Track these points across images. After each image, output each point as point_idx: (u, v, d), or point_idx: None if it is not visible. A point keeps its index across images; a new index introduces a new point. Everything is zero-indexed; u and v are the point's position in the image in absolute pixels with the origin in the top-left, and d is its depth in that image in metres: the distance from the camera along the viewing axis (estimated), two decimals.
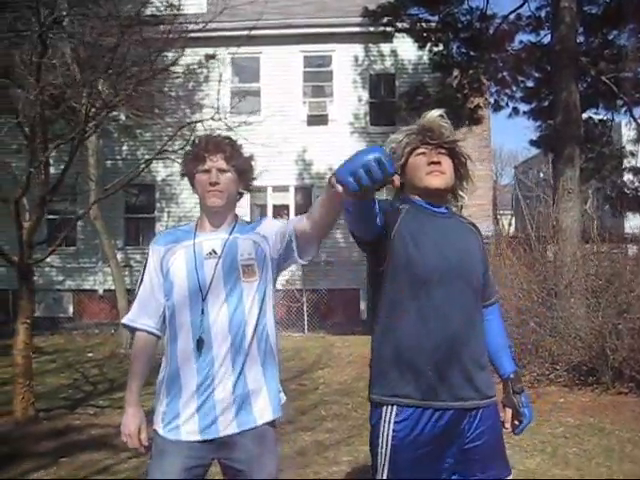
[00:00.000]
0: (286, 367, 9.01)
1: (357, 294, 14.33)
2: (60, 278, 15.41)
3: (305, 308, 13.36)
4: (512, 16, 11.50)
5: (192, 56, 15.33)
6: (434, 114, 2.38)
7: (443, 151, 2.31)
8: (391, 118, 13.83)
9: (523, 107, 12.22)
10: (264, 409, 2.32)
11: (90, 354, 10.51)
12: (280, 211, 15.29)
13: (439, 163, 2.28)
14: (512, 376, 2.36)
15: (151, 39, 12.03)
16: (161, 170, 15.44)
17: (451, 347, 2.16)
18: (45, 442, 5.36)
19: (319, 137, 14.82)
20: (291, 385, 7.68)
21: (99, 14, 11.17)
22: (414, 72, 14.84)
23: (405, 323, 2.18)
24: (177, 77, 15.06)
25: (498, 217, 27.60)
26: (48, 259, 15.08)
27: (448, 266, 2.20)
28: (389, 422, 2.18)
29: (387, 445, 2.16)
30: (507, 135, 36.29)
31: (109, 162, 15.11)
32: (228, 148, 2.36)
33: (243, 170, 2.41)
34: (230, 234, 2.34)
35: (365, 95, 15.15)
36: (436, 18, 11.75)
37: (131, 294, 14.22)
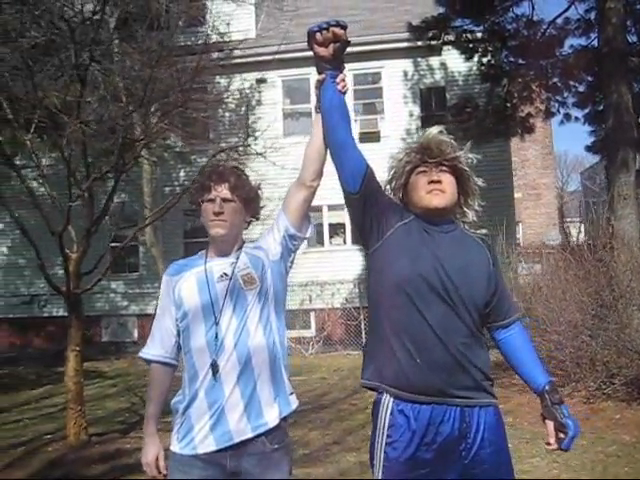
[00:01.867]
0: (340, 386, 9.01)
1: None
2: (125, 303, 15.85)
3: (363, 326, 13.28)
4: (560, 20, 11.26)
5: (243, 81, 15.68)
6: (433, 131, 2.38)
7: (445, 168, 2.30)
8: (455, 132, 13.68)
9: (576, 113, 11.93)
10: (276, 412, 2.35)
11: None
12: (336, 230, 15.34)
13: (439, 182, 2.27)
14: (547, 388, 2.26)
15: (201, 67, 12.38)
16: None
17: (429, 362, 2.15)
18: (95, 466, 5.50)
19: (371, 154, 14.28)
20: (342, 405, 7.66)
21: (150, 48, 11.59)
22: (465, 84, 14.69)
23: (379, 326, 2.26)
24: (228, 102, 15.41)
25: (567, 225, 26.90)
26: (113, 285, 15.85)
27: (427, 279, 2.17)
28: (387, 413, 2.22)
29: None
30: (572, 141, 35.37)
31: (167, 188, 15.48)
32: (232, 178, 2.41)
33: (248, 199, 2.45)
34: (238, 258, 2.39)
35: (416, 110, 15.08)
36: (482, 28, 11.60)
37: None
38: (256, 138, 14.20)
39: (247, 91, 15.78)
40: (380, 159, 11.98)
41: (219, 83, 15.89)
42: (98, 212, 6.04)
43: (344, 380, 9.37)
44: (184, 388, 2.37)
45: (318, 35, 2.25)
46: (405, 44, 14.40)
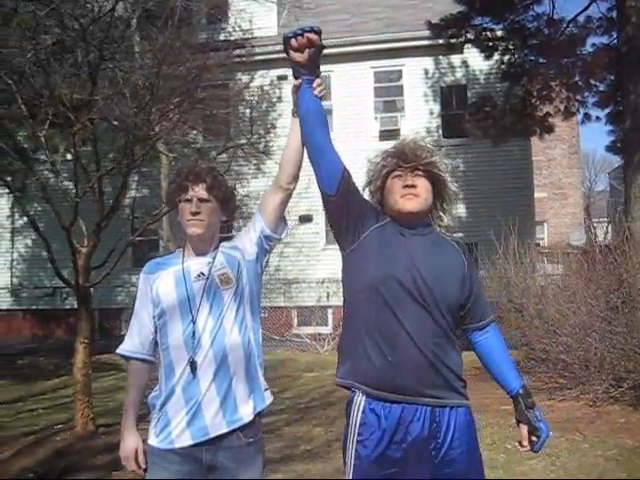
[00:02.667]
0: None
1: None
2: None
3: None
4: (582, 18, 11.14)
5: (264, 77, 15.76)
6: (409, 137, 2.41)
7: (420, 173, 2.32)
8: (464, 130, 13.65)
9: (596, 112, 11.78)
10: (250, 408, 2.40)
11: None
12: None
13: (414, 186, 2.30)
14: (521, 391, 2.30)
15: (210, 65, 12.46)
16: (238, 190, 15.85)
17: (401, 361, 2.19)
18: (101, 456, 5.61)
19: None
20: None
21: (170, 45, 11.71)
22: (486, 82, 14.58)
23: (353, 325, 2.30)
24: (248, 98, 15.49)
25: (593, 226, 26.58)
26: (134, 279, 16.04)
27: (401, 281, 2.21)
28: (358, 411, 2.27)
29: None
30: (600, 140, 34.82)
31: None
32: (209, 178, 2.45)
33: (224, 199, 2.50)
34: (214, 258, 2.44)
35: (436, 108, 15.02)
36: (502, 27, 11.52)
37: None
38: (256, 139, 14.26)
39: (268, 88, 15.86)
40: None
41: (240, 80, 15.99)
42: (109, 207, 6.14)
43: None
44: (160, 384, 2.42)
45: (293, 41, 2.29)
46: (426, 42, 14.34)
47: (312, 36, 2.27)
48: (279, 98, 15.80)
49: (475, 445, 2.33)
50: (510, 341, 7.66)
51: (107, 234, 6.72)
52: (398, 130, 14.94)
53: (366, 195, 2.48)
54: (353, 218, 2.33)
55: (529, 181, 14.66)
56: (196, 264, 2.43)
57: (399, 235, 2.31)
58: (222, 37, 15.98)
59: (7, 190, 13.97)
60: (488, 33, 11.63)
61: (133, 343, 2.48)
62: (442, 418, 2.24)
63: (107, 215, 6.01)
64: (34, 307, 16.27)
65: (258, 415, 2.44)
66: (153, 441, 2.39)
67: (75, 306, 15.62)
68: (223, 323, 2.38)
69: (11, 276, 16.73)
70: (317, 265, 15.01)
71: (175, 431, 2.35)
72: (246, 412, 2.39)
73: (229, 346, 2.36)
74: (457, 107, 14.67)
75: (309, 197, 14.61)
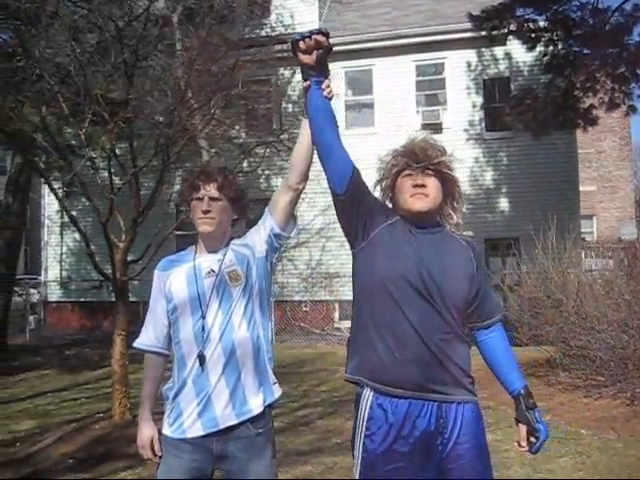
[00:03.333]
0: None
1: None
2: None
3: None
4: (628, 7, 10.83)
5: None
6: (418, 136, 2.43)
7: (430, 172, 2.34)
8: (507, 123, 13.47)
9: None
10: (260, 401, 2.47)
11: None
12: None
13: (423, 186, 2.32)
14: (523, 392, 2.32)
15: (263, 60, 12.58)
16: (275, 186, 15.99)
17: (407, 356, 2.21)
18: (135, 444, 5.76)
19: None
20: None
21: (211, 41, 11.88)
22: (530, 74, 14.35)
23: (362, 322, 2.32)
24: (290, 94, 15.57)
25: None
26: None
27: (408, 278, 2.23)
28: (366, 406, 2.29)
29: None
30: None
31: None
32: (220, 178, 2.52)
33: (235, 198, 2.56)
34: (224, 255, 2.51)
35: (479, 101, 14.84)
36: (544, 17, 11.30)
37: None
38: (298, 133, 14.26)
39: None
40: None
41: (282, 75, 16.08)
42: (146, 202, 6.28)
43: None
44: (173, 376, 2.51)
45: (301, 43, 2.32)
46: (469, 34, 14.16)
47: (320, 38, 2.30)
48: None
49: (483, 441, 2.34)
50: (547, 337, 7.57)
51: (149, 228, 6.91)
52: (440, 124, 14.84)
53: (377, 193, 2.50)
54: (362, 217, 2.36)
55: (574, 174, 14.38)
56: (207, 261, 2.50)
57: (408, 233, 2.33)
58: (264, 33, 16.10)
59: (57, 186, 14.48)
60: (531, 24, 11.40)
61: (148, 337, 2.57)
62: (449, 413, 2.26)
63: (143, 210, 6.15)
64: (82, 299, 16.73)
65: (268, 407, 2.50)
66: (167, 431, 2.48)
67: (130, 300, 16.10)
68: (232, 318, 2.45)
69: (60, 269, 17.23)
70: None
71: (187, 422, 2.43)
72: (255, 404, 2.45)
73: (237, 341, 2.43)
74: (500, 100, 14.46)
75: None
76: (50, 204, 17.06)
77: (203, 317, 2.43)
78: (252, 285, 2.51)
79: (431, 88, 15.26)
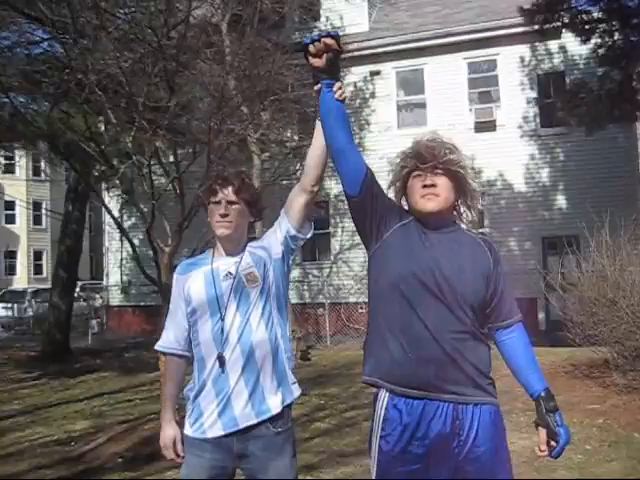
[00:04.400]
0: None
1: (534, 304, 13.70)
2: None
3: None
4: None
5: (357, 74, 15.80)
6: (425, 136, 2.40)
7: (439, 171, 2.31)
8: (563, 119, 13.13)
9: None
10: (278, 400, 2.50)
11: None
12: None
13: (433, 186, 2.29)
14: (543, 394, 2.25)
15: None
16: (334, 187, 16.00)
17: (421, 357, 2.19)
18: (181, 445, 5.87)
19: (487, 144, 14.45)
20: None
21: (260, 47, 12.02)
22: (585, 67, 13.95)
23: (376, 323, 2.32)
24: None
25: None
26: None
27: (421, 278, 2.22)
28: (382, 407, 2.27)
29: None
30: None
31: (285, 182, 15.92)
32: (237, 182, 2.56)
33: (251, 201, 2.60)
34: (241, 257, 2.54)
35: (534, 96, 14.53)
36: (598, 8, 10.97)
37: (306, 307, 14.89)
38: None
39: (361, 84, 15.90)
40: (496, 148, 12.01)
41: None
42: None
43: None
44: (194, 377, 2.56)
45: (311, 47, 2.32)
46: (521, 29, 13.91)
47: (329, 41, 2.29)
48: (372, 94, 15.82)
49: (502, 444, 2.29)
50: (601, 338, 7.35)
51: (195, 232, 7.03)
52: (494, 121, 14.61)
53: (391, 194, 2.49)
54: (376, 219, 2.35)
55: (635, 169, 13.90)
56: (224, 264, 2.54)
57: (422, 234, 2.31)
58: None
59: (115, 193, 14.90)
60: (584, 15, 11.09)
61: (169, 339, 2.62)
62: (465, 415, 2.22)
63: (188, 215, 6.27)
64: (142, 303, 17.12)
65: (287, 407, 2.52)
66: (188, 431, 2.53)
67: None
68: (250, 320, 2.48)
69: (121, 274, 17.71)
70: None
71: (207, 422, 2.47)
72: (274, 404, 2.48)
73: (256, 342, 2.47)
74: (555, 95, 14.10)
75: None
76: (111, 210, 17.58)
77: (222, 319, 2.47)
78: (269, 287, 2.53)
79: (484, 85, 15.03)
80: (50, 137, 7.74)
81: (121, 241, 17.56)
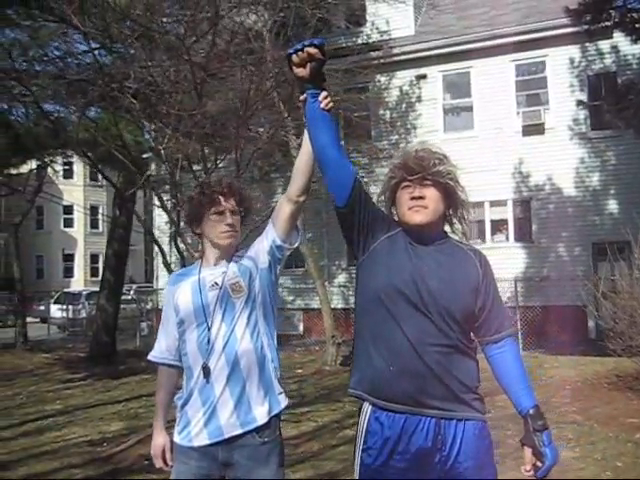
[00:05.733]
0: None
1: (582, 311, 13.30)
2: (291, 297, 16.57)
3: (519, 326, 12.77)
4: None
5: (403, 78, 15.71)
6: (413, 147, 2.37)
7: (428, 182, 2.27)
8: (615, 121, 12.75)
9: None
10: (265, 410, 2.51)
11: (299, 370, 11.17)
12: (499, 226, 14.87)
13: (421, 198, 2.25)
14: (531, 412, 2.19)
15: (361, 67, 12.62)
16: (373, 193, 15.91)
17: (402, 370, 2.16)
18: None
19: (536, 147, 14.19)
20: None
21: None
22: (639, 67, 13.52)
23: (361, 335, 2.30)
24: (388, 100, 15.52)
25: None
26: (281, 280, 16.63)
27: (404, 292, 2.18)
28: (365, 420, 2.25)
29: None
30: None
31: None
32: (240, 192, 2.61)
33: (248, 212, 2.66)
34: (228, 267, 2.56)
35: (584, 98, 14.13)
36: None
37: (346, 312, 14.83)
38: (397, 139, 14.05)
39: (407, 88, 15.80)
40: (545, 152, 11.82)
41: (379, 82, 16.07)
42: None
43: (482, 382, 9.08)
44: (183, 386, 2.60)
45: (294, 57, 2.31)
46: (570, 29, 13.59)
47: (311, 50, 2.26)
48: (418, 98, 15.69)
49: (488, 461, 2.23)
50: None
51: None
52: (542, 124, 14.30)
53: (381, 205, 2.46)
54: (364, 230, 2.32)
55: None
56: (211, 274, 2.56)
57: (409, 245, 2.27)
58: (360, 41, 16.17)
59: (166, 198, 15.17)
60: (634, 14, 10.75)
61: (160, 349, 2.67)
62: (448, 430, 2.18)
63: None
64: None
65: (274, 417, 2.52)
66: (176, 438, 2.57)
67: None
68: (235, 329, 2.49)
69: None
70: None
71: (194, 430, 2.50)
72: (260, 414, 2.49)
73: (241, 351, 2.48)
74: (606, 96, 13.70)
75: None
76: (160, 215, 17.89)
77: (208, 329, 2.49)
78: (255, 296, 2.55)
79: (532, 88, 14.70)
80: (89, 145, 7.94)
81: (170, 245, 17.87)
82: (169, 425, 2.66)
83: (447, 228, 2.38)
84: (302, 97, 2.39)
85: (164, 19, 8.89)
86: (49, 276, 34.93)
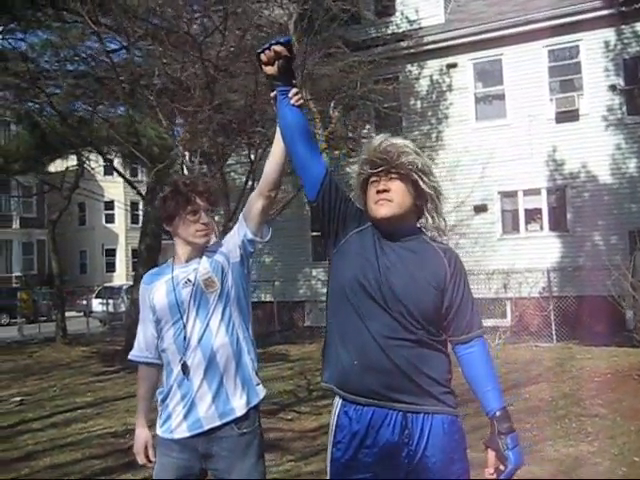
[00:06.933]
0: (502, 380, 8.53)
1: (619, 302, 13.00)
2: (324, 290, 16.54)
3: (552, 317, 12.56)
4: None
5: (433, 67, 15.55)
6: (375, 140, 2.34)
7: (393, 175, 2.26)
8: None
9: None
10: (243, 402, 2.57)
11: None
12: (533, 215, 14.62)
13: (385, 191, 2.24)
14: (498, 414, 2.17)
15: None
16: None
17: (366, 365, 2.16)
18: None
19: (569, 134, 13.87)
20: None
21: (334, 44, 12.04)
22: None
23: (330, 330, 2.32)
24: (419, 90, 15.37)
25: None
26: (314, 272, 16.69)
27: (366, 288, 2.19)
28: (335, 414, 2.26)
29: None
30: None
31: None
32: (211, 190, 2.67)
33: (215, 209, 2.74)
34: (199, 264, 2.61)
35: (619, 83, 13.77)
36: None
37: None
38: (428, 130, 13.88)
39: (437, 77, 15.63)
40: (579, 139, 11.65)
41: (409, 72, 15.93)
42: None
43: (510, 374, 9.00)
44: (163, 381, 2.67)
45: (262, 55, 2.35)
46: (605, 12, 13.30)
47: (278, 48, 2.29)
48: (449, 87, 15.51)
49: (458, 456, 2.21)
50: None
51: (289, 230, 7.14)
52: (577, 110, 13.97)
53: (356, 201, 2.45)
54: (334, 224, 2.33)
55: None
56: (184, 272, 2.61)
57: (376, 241, 2.27)
58: (389, 31, 16.06)
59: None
60: None
61: (140, 348, 2.73)
62: (415, 424, 2.17)
63: (232, 216, 6.38)
64: None
65: (253, 409, 2.58)
66: (158, 431, 2.65)
67: (262, 299, 16.73)
68: (210, 324, 2.55)
69: None
70: (493, 256, 14.54)
71: (174, 423, 2.57)
72: (239, 406, 2.54)
73: (216, 345, 2.54)
74: None
75: (483, 187, 14.34)
76: None
77: (183, 326, 2.55)
78: (228, 290, 2.59)
79: (565, 74, 14.36)
80: (114, 142, 8.08)
81: None
82: (152, 424, 2.71)
83: (431, 222, 2.35)
84: (272, 94, 2.42)
85: (188, 16, 9.01)
86: (92, 271, 35.77)
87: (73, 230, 34.61)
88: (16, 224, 34.42)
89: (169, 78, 7.41)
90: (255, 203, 2.59)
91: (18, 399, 8.76)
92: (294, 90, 2.39)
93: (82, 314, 22.56)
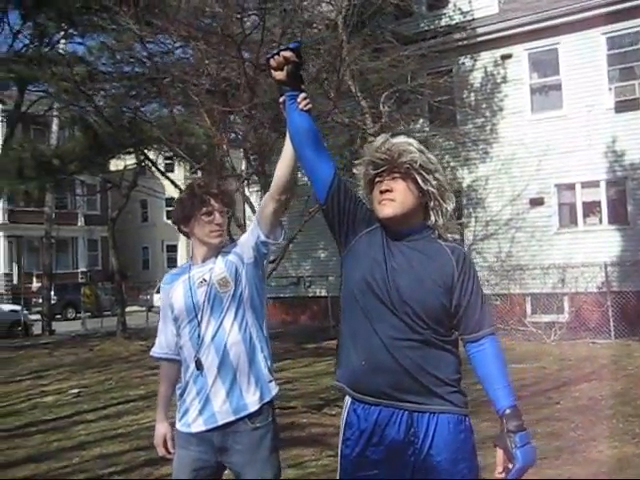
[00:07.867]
0: (553, 377, 8.51)
1: None
2: None
3: (610, 313, 12.21)
4: None
5: (487, 59, 15.30)
6: (376, 141, 2.36)
7: (396, 175, 2.27)
8: None
9: None
10: (256, 398, 2.65)
11: None
12: (591, 208, 14.21)
13: (388, 191, 2.26)
14: (507, 412, 2.16)
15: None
16: (466, 176, 15.63)
17: (374, 365, 2.19)
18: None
19: (630, 124, 13.44)
20: (538, 397, 7.22)
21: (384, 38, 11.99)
22: None
23: (343, 330, 2.36)
24: (472, 82, 15.15)
25: None
26: None
27: (374, 290, 2.22)
28: (345, 412, 2.31)
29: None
30: None
31: None
32: (227, 192, 2.77)
33: (230, 210, 2.83)
34: (214, 264, 2.71)
35: None
36: None
37: None
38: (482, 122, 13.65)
39: (492, 69, 15.37)
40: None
41: (464, 64, 15.71)
42: None
43: (563, 371, 8.82)
44: (182, 377, 2.77)
45: (272, 61, 2.39)
46: None
47: (286, 54, 2.33)
48: (504, 78, 15.23)
49: (465, 455, 2.22)
50: None
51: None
52: (637, 100, 13.49)
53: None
54: (344, 226, 2.36)
55: None
56: (200, 272, 2.71)
57: (385, 242, 2.29)
58: (443, 23, 15.85)
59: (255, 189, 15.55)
60: None
61: (160, 345, 2.85)
62: (420, 424, 2.20)
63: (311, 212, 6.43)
64: (282, 295, 17.72)
65: (266, 404, 2.65)
66: (177, 425, 2.75)
67: (318, 294, 16.84)
68: (223, 323, 2.64)
69: None
70: (550, 250, 14.25)
71: (191, 417, 2.68)
72: (252, 401, 2.63)
73: (230, 343, 2.63)
74: None
75: (540, 179, 14.04)
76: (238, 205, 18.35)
77: (198, 324, 2.65)
78: (242, 290, 2.68)
79: (625, 61, 13.89)
80: (167, 140, 8.27)
81: None
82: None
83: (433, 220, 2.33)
84: (281, 99, 2.46)
85: (238, 15, 9.14)
86: (154, 266, 36.68)
87: (136, 227, 35.56)
88: (81, 222, 35.71)
89: (218, 79, 7.53)
90: (267, 206, 2.65)
91: (76, 391, 9.10)
92: (302, 95, 2.41)
93: (144, 309, 23.20)
